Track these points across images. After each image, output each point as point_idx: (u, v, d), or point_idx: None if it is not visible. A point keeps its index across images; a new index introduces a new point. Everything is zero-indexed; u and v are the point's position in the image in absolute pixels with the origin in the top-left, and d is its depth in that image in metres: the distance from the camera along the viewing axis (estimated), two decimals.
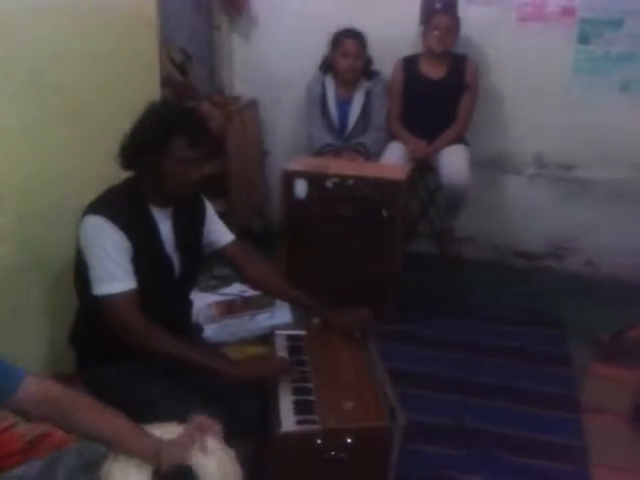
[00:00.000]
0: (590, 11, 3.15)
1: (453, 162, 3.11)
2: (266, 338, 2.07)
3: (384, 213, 2.71)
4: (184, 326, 1.88)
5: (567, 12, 3.19)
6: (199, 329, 2.21)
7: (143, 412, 1.41)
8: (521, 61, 3.26)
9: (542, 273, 3.44)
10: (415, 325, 2.80)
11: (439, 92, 3.20)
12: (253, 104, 3.60)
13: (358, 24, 3.18)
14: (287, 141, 3.64)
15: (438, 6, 3.17)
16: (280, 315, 2.40)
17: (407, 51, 3.29)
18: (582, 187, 3.35)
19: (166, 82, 2.84)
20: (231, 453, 1.36)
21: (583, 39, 3.19)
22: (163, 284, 1.75)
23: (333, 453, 1.57)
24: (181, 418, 1.39)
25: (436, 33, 3.12)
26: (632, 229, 3.27)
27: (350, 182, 2.72)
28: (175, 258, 1.76)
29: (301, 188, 2.72)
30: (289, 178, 2.75)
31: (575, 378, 2.49)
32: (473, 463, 2.00)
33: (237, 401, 1.70)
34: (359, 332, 1.96)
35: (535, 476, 1.96)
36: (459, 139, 3.24)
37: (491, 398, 2.32)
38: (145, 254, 1.67)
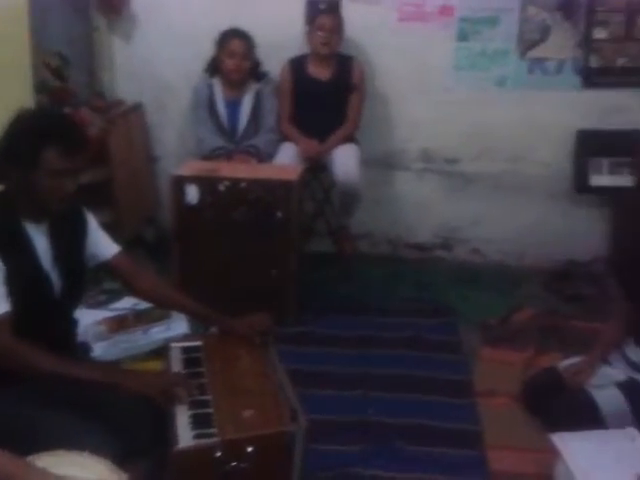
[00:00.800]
0: (467, 10, 3.29)
1: (344, 161, 3.16)
2: (162, 352, 2.00)
3: (278, 214, 2.70)
4: (69, 347, 1.78)
5: (445, 11, 3.32)
6: (86, 348, 2.09)
7: (27, 440, 1.33)
8: (404, 60, 3.36)
9: (433, 264, 3.57)
10: (314, 325, 2.82)
11: (327, 93, 3.24)
12: (138, 108, 3.48)
13: (243, 24, 3.15)
14: (176, 145, 3.55)
15: (322, 7, 3.20)
16: (176, 327, 2.33)
17: (294, 52, 3.30)
18: (467, 180, 3.50)
19: (41, 88, 2.70)
20: (123, 477, 1.30)
21: (462, 37, 3.33)
22: (43, 304, 1.65)
23: (234, 464, 1.54)
24: (69, 443, 1.32)
25: (320, 34, 3.15)
26: (513, 218, 3.47)
27: (243, 185, 2.69)
28: (54, 275, 1.67)
29: (192, 193, 2.66)
30: (179, 183, 2.69)
31: (467, 363, 2.60)
32: (375, 456, 2.03)
33: (130, 421, 1.63)
34: (259, 337, 1.94)
35: (434, 463, 2.02)
36: (350, 138, 3.30)
37: (390, 390, 2.38)
38: (20, 274, 1.57)
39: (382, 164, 3.52)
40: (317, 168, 3.27)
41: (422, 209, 3.58)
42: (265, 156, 3.14)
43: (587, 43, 3.24)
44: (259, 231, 2.71)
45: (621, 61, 3.27)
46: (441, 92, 3.38)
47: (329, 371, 2.50)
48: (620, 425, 1.95)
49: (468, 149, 3.46)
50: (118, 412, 1.60)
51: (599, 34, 3.24)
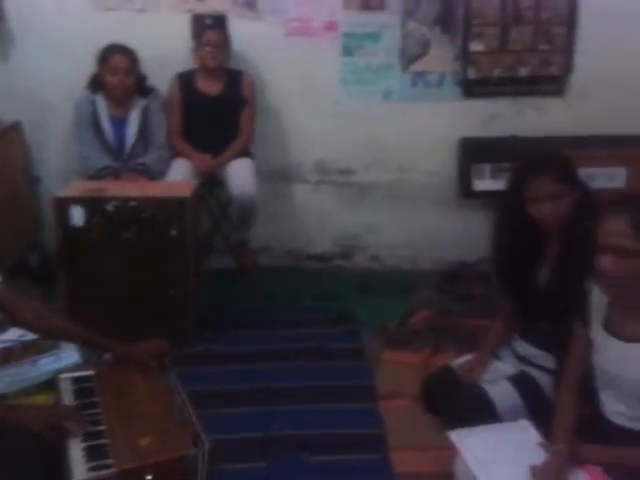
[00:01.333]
0: (351, 25, 3.38)
1: (239, 175, 3.15)
2: (51, 384, 1.90)
3: (173, 232, 2.64)
4: None
5: (330, 27, 3.39)
6: None
7: None
8: (293, 74, 3.40)
9: (334, 273, 3.62)
10: (216, 343, 2.78)
11: (218, 107, 3.22)
12: (16, 127, 3.30)
13: (126, 39, 3.07)
14: (60, 165, 3.40)
15: (208, 22, 3.19)
16: (66, 357, 2.20)
17: (180, 66, 3.25)
18: (361, 190, 3.59)
19: None
20: None
21: (347, 52, 3.41)
22: None
23: None
24: None
25: (208, 49, 3.13)
26: (406, 224, 3.59)
27: (132, 204, 2.61)
28: None
29: (77, 215, 2.54)
30: (62, 205, 2.56)
31: (370, 369, 2.65)
32: (281, 471, 2.03)
33: (20, 458, 1.53)
34: (155, 362, 1.88)
35: (339, 471, 2.04)
36: (244, 152, 3.29)
37: (294, 403, 2.38)
38: None
39: (278, 177, 3.54)
40: (212, 183, 3.24)
41: (320, 220, 3.63)
42: (156, 174, 3.07)
43: (465, 56, 3.42)
44: (153, 251, 2.64)
45: (497, 72, 3.47)
46: (331, 105, 3.45)
47: (231, 390, 2.46)
48: (514, 417, 2.05)
49: (360, 160, 3.54)
50: (5, 450, 1.50)
51: (475, 47, 3.42)
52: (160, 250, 2.64)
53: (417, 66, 3.44)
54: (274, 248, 3.64)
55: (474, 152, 3.44)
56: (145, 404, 1.75)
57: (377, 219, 3.62)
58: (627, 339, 1.70)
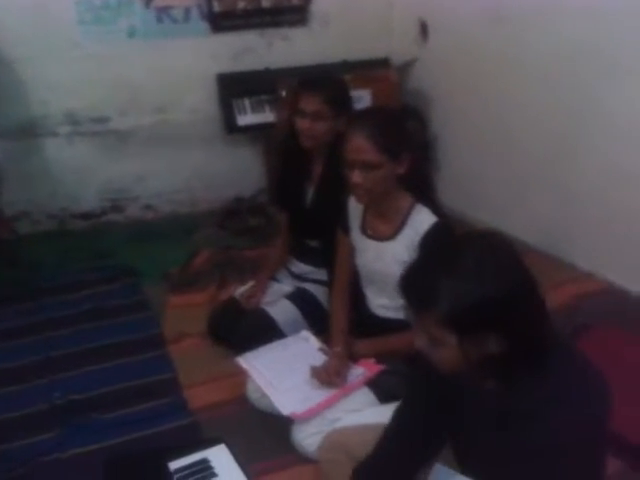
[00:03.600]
0: None
1: None
2: None
3: None
4: None
5: None
6: None
7: None
8: (23, 19, 3.04)
9: (107, 229, 3.43)
10: None
11: None
12: None
13: None
14: None
15: None
16: None
17: None
18: (121, 138, 3.39)
19: None
20: None
21: None
22: None
23: None
24: None
25: None
26: (176, 168, 3.50)
27: None
28: None
29: None
30: None
31: (156, 318, 2.59)
32: (72, 437, 1.92)
33: None
34: None
35: (136, 421, 1.99)
36: None
37: (77, 367, 2.25)
38: None
39: (23, 133, 3.20)
40: None
41: (80, 175, 3.37)
42: None
43: None
44: None
45: (241, 4, 3.45)
46: (70, 49, 3.16)
47: (7, 367, 2.27)
48: (296, 330, 2.18)
49: (114, 105, 3.33)
50: None
51: None
52: None
53: (160, 1, 3.29)
54: (32, 213, 3.32)
55: (232, 87, 3.43)
56: None
57: (143, 166, 3.46)
58: (381, 239, 1.87)
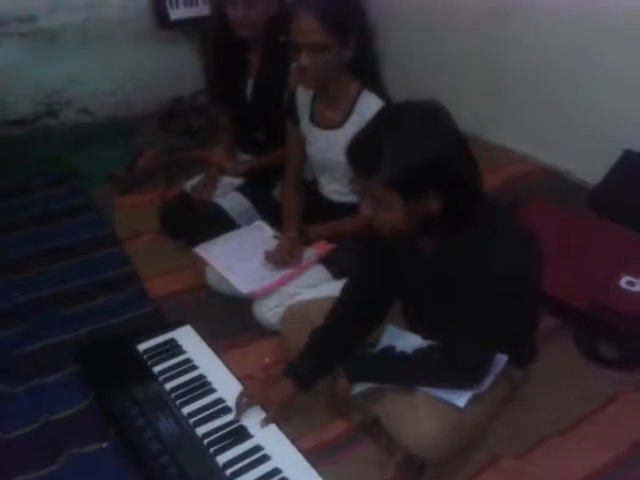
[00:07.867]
0: None
1: None
2: None
3: None
4: None
5: None
6: None
7: None
8: None
9: (43, 135, 3.31)
10: None
11: None
12: None
13: None
14: None
15: None
16: None
17: None
18: (49, 37, 3.21)
19: None
20: None
21: None
22: None
23: None
24: None
25: None
26: (110, 68, 3.36)
27: None
28: None
29: None
30: None
31: (105, 219, 2.60)
32: (38, 330, 1.97)
33: None
34: None
35: (100, 312, 2.05)
36: None
37: (32, 268, 2.27)
38: None
39: None
40: None
41: (9, 79, 3.19)
42: None
43: None
44: None
45: None
46: None
47: None
48: (249, 222, 2.24)
49: (40, 2, 3.13)
50: None
51: None
52: None
53: None
54: None
55: None
56: None
57: (76, 67, 3.31)
58: (330, 127, 1.90)
